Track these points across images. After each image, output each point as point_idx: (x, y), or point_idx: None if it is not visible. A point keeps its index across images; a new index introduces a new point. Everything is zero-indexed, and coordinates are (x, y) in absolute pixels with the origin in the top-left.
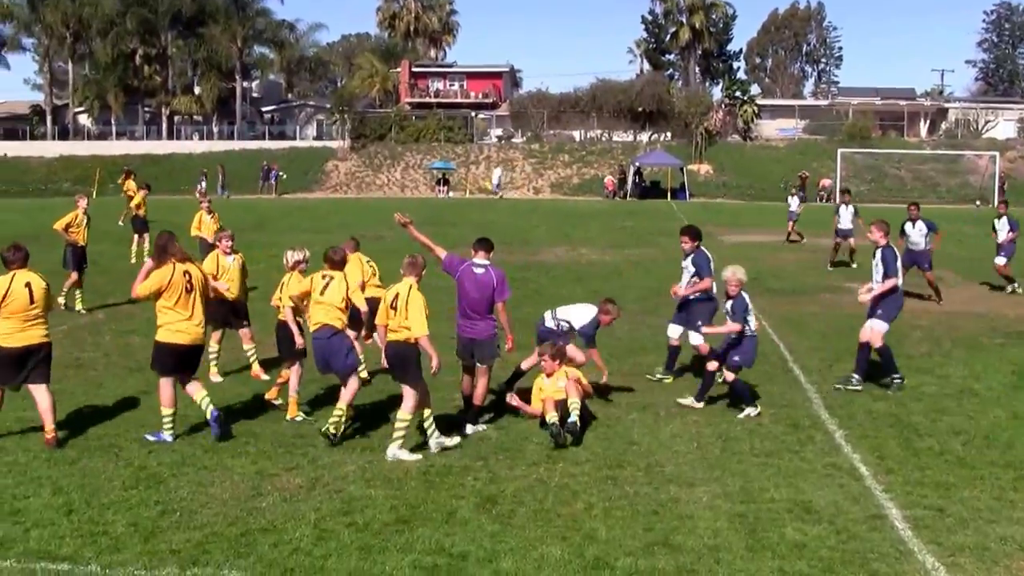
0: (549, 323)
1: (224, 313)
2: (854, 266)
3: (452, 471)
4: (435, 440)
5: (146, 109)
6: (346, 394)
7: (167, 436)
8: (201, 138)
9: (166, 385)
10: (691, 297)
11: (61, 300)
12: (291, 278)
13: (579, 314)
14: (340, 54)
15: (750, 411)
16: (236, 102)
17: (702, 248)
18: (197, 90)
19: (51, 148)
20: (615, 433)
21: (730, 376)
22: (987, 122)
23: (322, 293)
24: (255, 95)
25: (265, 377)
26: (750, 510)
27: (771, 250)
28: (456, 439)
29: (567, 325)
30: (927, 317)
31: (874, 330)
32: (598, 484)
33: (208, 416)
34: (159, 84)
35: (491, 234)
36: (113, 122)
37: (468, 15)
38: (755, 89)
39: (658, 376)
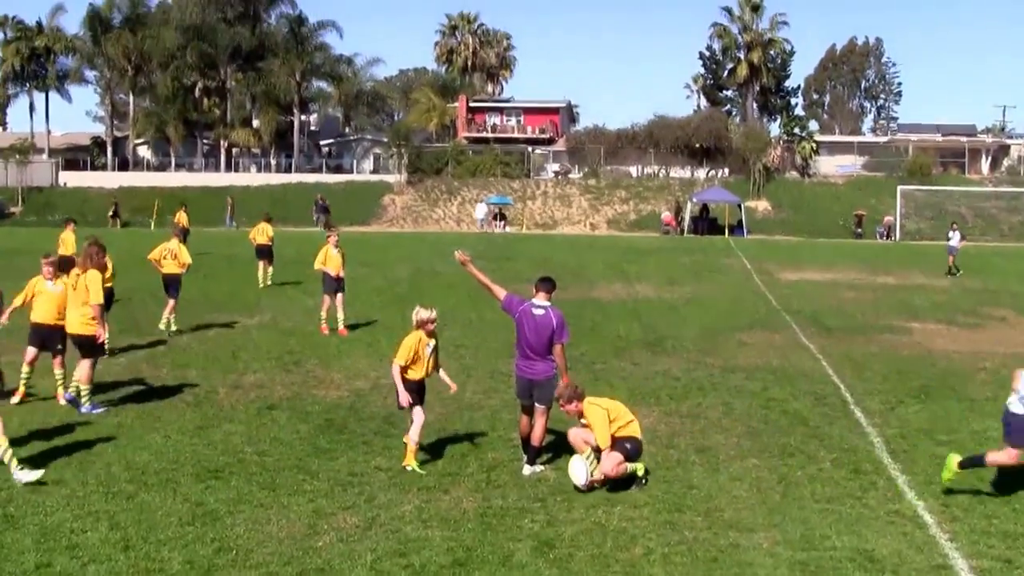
0: (1017, 408)
1: (43, 337)
2: None
3: (509, 513)
4: (16, 472)
5: (205, 141)
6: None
7: None
8: (259, 171)
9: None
10: None
11: (162, 326)
12: (411, 335)
13: None
14: (398, 88)
15: None
16: (294, 135)
17: None
18: (255, 123)
19: (111, 179)
20: (674, 476)
21: None
22: None
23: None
24: (313, 128)
25: (62, 403)
26: (811, 558)
27: (830, 288)
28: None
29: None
30: (992, 359)
31: None
32: (657, 528)
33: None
34: (218, 117)
35: (547, 269)
36: (172, 154)
37: (525, 50)
38: (813, 125)
39: None
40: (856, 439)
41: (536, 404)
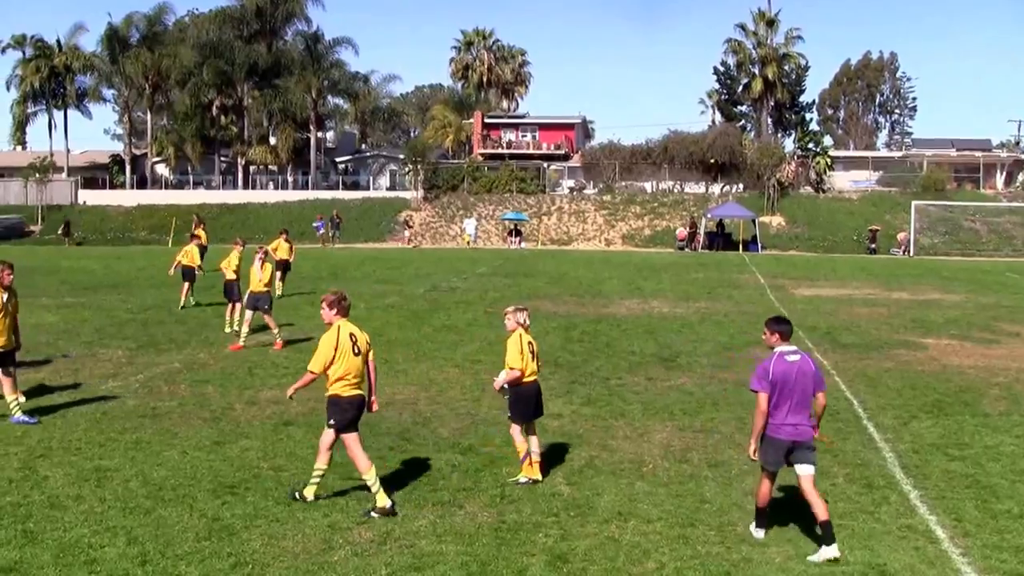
0: None
1: None
2: None
3: (523, 527)
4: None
5: (222, 159)
6: None
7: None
8: (276, 188)
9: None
10: None
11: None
12: (513, 336)
13: None
14: (413, 105)
15: None
16: (311, 152)
17: None
18: (272, 140)
19: (129, 197)
20: (687, 491)
21: None
22: None
23: None
24: (329, 145)
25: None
26: (823, 572)
27: (844, 304)
28: None
29: None
30: (1005, 374)
31: None
32: (670, 543)
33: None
34: (235, 134)
35: (563, 285)
36: (190, 171)
37: (541, 66)
38: (828, 140)
39: None
40: (869, 454)
41: (802, 469)
